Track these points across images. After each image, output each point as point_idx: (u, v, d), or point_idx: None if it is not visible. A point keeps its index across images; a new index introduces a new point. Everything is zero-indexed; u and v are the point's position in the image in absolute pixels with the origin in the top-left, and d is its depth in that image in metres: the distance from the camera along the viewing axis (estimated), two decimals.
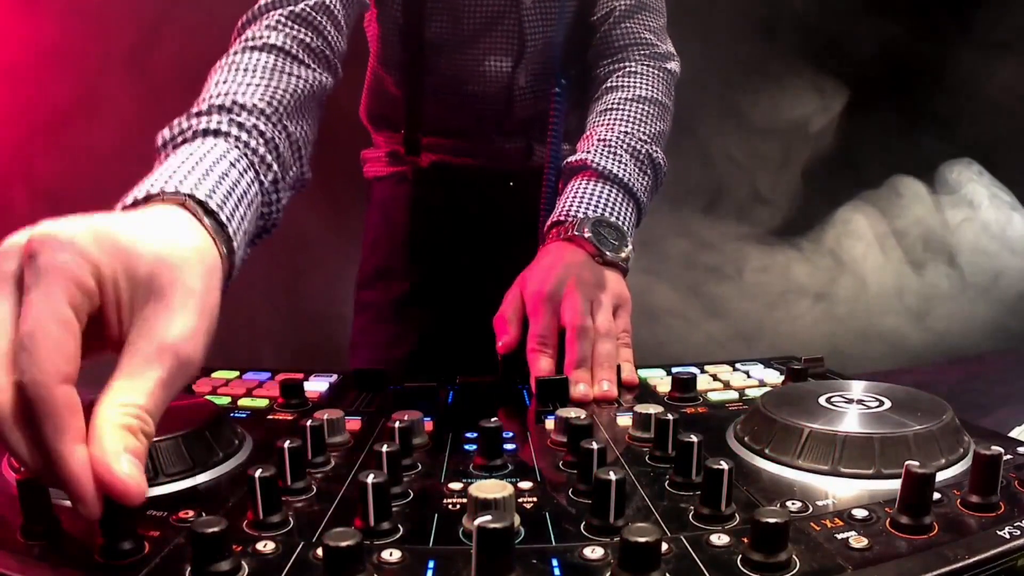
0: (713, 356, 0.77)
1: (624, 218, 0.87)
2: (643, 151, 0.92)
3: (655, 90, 1.00)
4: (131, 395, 0.38)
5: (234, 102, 0.66)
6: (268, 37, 0.73)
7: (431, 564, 0.36)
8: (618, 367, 0.71)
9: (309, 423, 0.49)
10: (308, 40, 0.76)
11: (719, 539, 0.38)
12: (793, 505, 0.43)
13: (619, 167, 0.89)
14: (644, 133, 0.94)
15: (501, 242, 1.10)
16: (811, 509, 0.42)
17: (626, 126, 0.94)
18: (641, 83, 1.00)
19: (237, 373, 0.71)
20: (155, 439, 0.45)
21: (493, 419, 0.50)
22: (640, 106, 0.97)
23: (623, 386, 0.70)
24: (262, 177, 0.64)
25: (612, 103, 0.98)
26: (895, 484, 0.40)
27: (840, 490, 0.45)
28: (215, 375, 0.71)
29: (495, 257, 1.09)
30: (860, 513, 0.40)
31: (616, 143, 0.92)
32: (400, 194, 1.12)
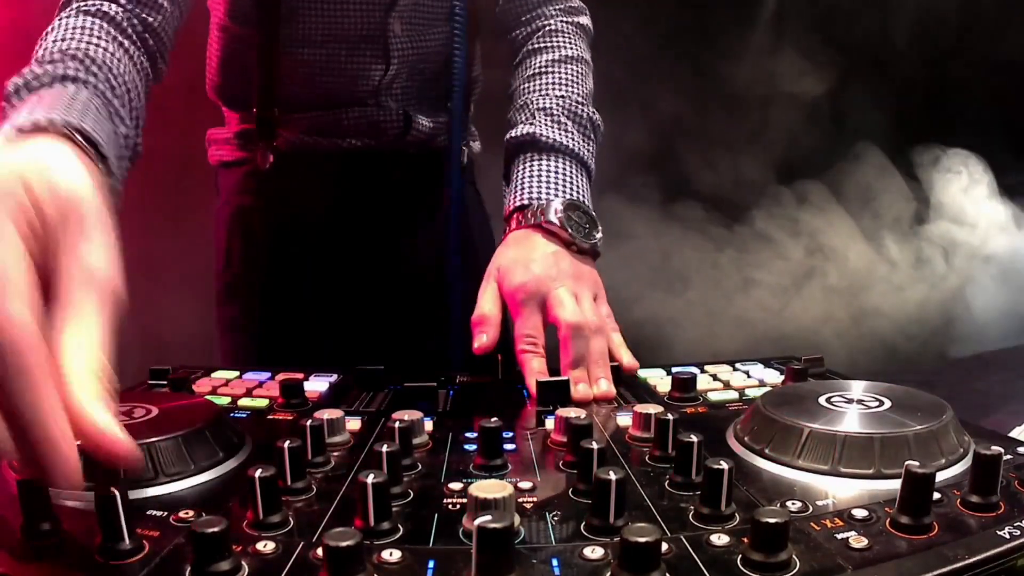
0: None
1: (584, 194, 0.83)
2: (583, 114, 0.89)
3: (579, 48, 0.96)
4: (92, 349, 0.37)
5: (82, 52, 0.67)
6: (102, 5, 0.73)
7: (431, 564, 0.36)
8: (617, 368, 0.71)
9: (309, 423, 0.49)
10: (142, 24, 0.75)
11: (719, 539, 0.38)
12: (793, 505, 0.43)
13: (567, 137, 0.86)
14: (579, 94, 0.91)
15: (377, 234, 1.02)
16: (811, 509, 0.42)
17: (561, 90, 0.90)
18: (565, 42, 0.96)
19: (237, 373, 0.71)
20: (155, 439, 0.46)
21: (493, 419, 0.50)
22: (569, 67, 0.93)
23: (625, 374, 0.70)
24: (118, 125, 0.65)
25: (540, 66, 0.94)
26: (895, 484, 0.40)
27: (840, 490, 0.45)
28: (215, 375, 0.71)
29: (373, 250, 1.01)
30: (860, 513, 0.40)
31: (557, 111, 0.88)
32: (252, 186, 0.98)
